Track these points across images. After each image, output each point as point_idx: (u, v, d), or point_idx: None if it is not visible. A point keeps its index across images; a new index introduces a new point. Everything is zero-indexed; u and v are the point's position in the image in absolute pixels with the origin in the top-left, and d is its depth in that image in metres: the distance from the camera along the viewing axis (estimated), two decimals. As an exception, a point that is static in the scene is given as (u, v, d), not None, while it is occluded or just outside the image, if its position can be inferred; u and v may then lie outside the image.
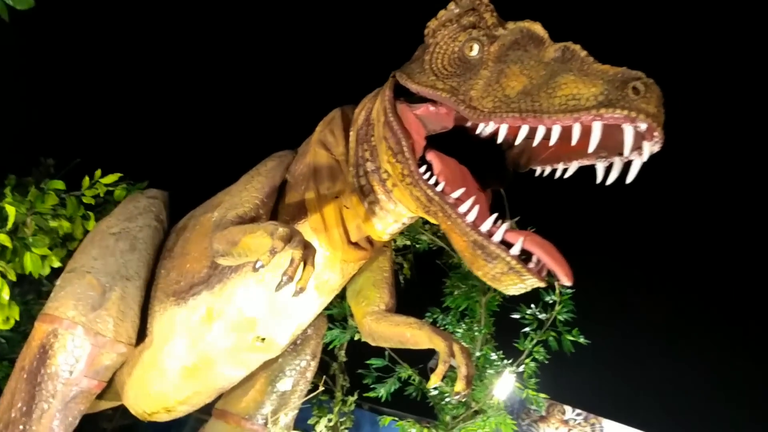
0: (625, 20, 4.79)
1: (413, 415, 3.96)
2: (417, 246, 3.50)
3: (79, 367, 2.54)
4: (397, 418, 3.59)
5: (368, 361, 3.51)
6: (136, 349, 2.71)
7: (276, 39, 5.14)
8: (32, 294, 3.39)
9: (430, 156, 2.07)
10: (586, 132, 1.63)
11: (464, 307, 3.57)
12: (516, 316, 3.64)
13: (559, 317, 3.57)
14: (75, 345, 2.53)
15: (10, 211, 2.79)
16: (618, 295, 5.11)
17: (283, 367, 3.00)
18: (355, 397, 3.44)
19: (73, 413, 2.56)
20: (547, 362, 3.64)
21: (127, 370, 2.78)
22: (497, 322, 3.64)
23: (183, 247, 2.77)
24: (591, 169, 1.82)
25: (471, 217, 1.85)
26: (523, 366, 3.62)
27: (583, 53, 1.73)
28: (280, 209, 2.49)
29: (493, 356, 3.57)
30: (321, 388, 3.10)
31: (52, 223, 3.06)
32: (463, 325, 3.57)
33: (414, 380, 3.58)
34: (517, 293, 1.85)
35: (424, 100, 2.09)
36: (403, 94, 2.17)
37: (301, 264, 1.84)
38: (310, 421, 3.25)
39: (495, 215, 1.85)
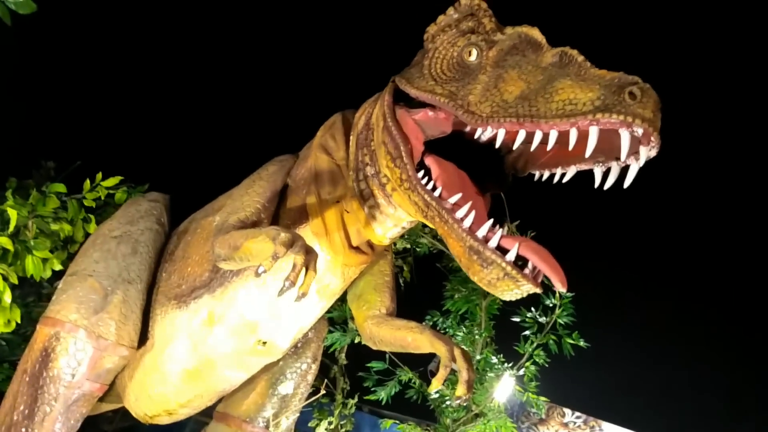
0: (623, 25, 4.80)
1: (413, 417, 3.96)
2: (417, 249, 3.51)
3: (81, 370, 2.55)
4: (398, 421, 3.60)
5: (369, 364, 3.52)
6: (137, 352, 2.72)
7: (277, 43, 5.16)
8: (33, 296, 3.40)
9: (429, 161, 2.09)
10: (583, 137, 1.64)
11: (464, 310, 3.58)
12: (516, 319, 3.65)
13: (559, 320, 3.58)
14: (77, 348, 2.54)
15: (12, 214, 2.80)
16: (618, 298, 5.12)
17: (284, 370, 3.01)
18: (356, 400, 3.45)
19: (75, 416, 2.57)
20: (547, 365, 3.65)
21: (129, 373, 2.79)
22: (497, 326, 3.65)
23: (184, 250, 2.78)
24: (590, 174, 1.83)
25: (467, 223, 1.86)
26: (523, 369, 3.62)
27: (581, 58, 1.74)
28: (282, 213, 2.50)
29: (494, 359, 3.58)
30: (322, 392, 3.10)
31: (54, 226, 3.07)
32: (464, 328, 3.58)
33: (414, 383, 3.59)
34: (513, 299, 1.86)
35: (423, 104, 2.11)
36: (402, 99, 2.18)
37: (303, 269, 1.85)
38: (311, 424, 3.25)
39: (491, 221, 1.86)
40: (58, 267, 2.95)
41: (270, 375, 2.98)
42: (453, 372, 2.24)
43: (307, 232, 2.38)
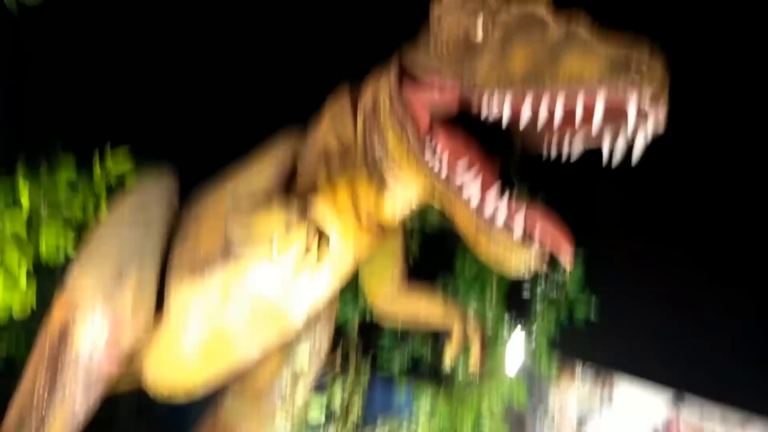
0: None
1: (424, 381, 4.00)
2: (427, 226, 3.50)
3: (98, 351, 2.59)
4: (412, 383, 3.65)
5: (380, 338, 3.57)
6: (154, 331, 2.75)
7: (281, 7, 5.06)
8: (47, 281, 3.44)
9: (437, 138, 2.08)
10: (590, 113, 1.63)
11: (475, 276, 3.60)
12: (527, 279, 3.67)
13: (570, 284, 3.59)
14: (94, 330, 2.59)
15: (24, 201, 2.82)
16: (631, 251, 5.11)
17: (297, 346, 3.06)
18: (368, 373, 3.51)
19: (94, 396, 2.62)
20: (560, 326, 3.68)
21: (145, 352, 2.84)
22: (509, 287, 3.67)
23: (196, 228, 2.80)
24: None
25: (474, 201, 1.87)
26: (534, 329, 3.65)
27: (587, 33, 1.72)
28: (292, 193, 2.51)
29: (505, 321, 3.61)
30: (335, 366, 3.16)
31: (65, 212, 3.09)
32: (475, 293, 3.60)
33: (426, 354, 3.63)
34: (519, 273, 1.88)
35: (429, 84, 2.09)
36: (408, 73, 2.17)
37: (315, 248, 1.88)
38: (325, 397, 3.32)
39: (500, 196, 1.87)
40: (72, 251, 2.97)
41: (284, 351, 3.03)
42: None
43: (317, 209, 2.39)
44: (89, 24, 4.62)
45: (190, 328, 2.73)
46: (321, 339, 3.13)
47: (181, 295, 2.72)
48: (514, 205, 1.85)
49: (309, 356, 3.08)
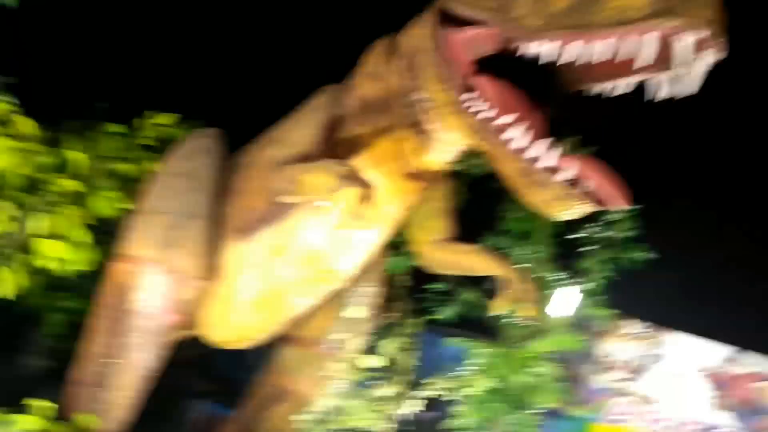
0: None
1: (477, 334, 4.02)
2: (471, 171, 3.44)
3: (159, 302, 2.68)
4: (463, 339, 3.66)
5: (429, 285, 3.57)
6: (210, 282, 2.82)
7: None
8: (100, 235, 3.53)
9: (480, 81, 2.02)
10: (640, 46, 1.55)
11: (523, 229, 3.55)
12: (578, 235, 3.60)
13: (624, 234, 3.50)
14: (153, 282, 2.67)
15: (78, 156, 2.88)
16: (685, 207, 4.96)
17: (350, 294, 3.10)
18: (420, 319, 3.53)
19: (157, 346, 2.72)
20: (610, 279, 3.61)
21: (203, 303, 2.91)
22: (559, 241, 3.60)
23: (243, 184, 2.83)
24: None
25: (518, 144, 1.81)
26: (586, 284, 3.60)
27: None
28: (334, 145, 2.49)
29: (556, 276, 3.56)
30: (388, 313, 3.19)
31: (115, 166, 3.15)
32: (523, 246, 3.55)
33: (476, 302, 3.62)
34: (569, 219, 1.83)
35: (469, 23, 2.02)
36: (448, 19, 2.10)
37: (362, 201, 1.87)
38: (378, 345, 3.36)
39: (547, 140, 1.80)
40: (126, 205, 3.04)
41: (337, 299, 3.08)
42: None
43: (361, 162, 2.37)
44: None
45: (244, 282, 2.80)
46: (374, 286, 3.16)
47: (234, 251, 2.77)
48: (561, 150, 1.79)
49: (361, 304, 3.12)
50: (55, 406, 2.52)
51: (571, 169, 1.75)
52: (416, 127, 2.30)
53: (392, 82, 2.34)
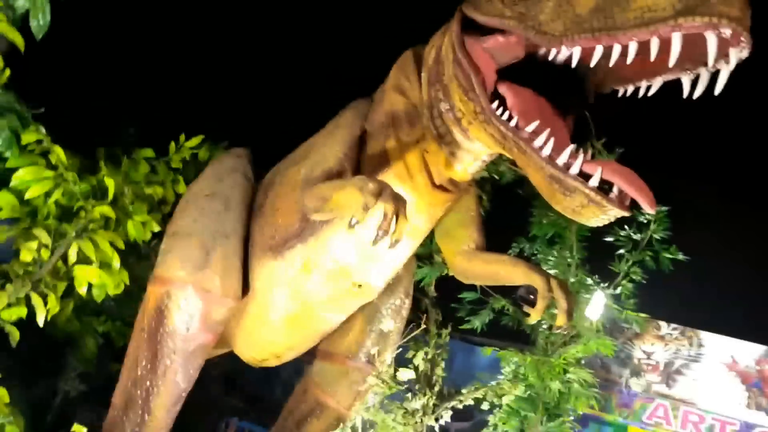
0: None
1: (508, 342, 4.00)
2: (497, 178, 3.43)
3: (194, 323, 2.70)
4: (496, 348, 3.64)
5: (461, 295, 3.56)
6: (242, 302, 2.84)
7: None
8: (133, 258, 3.58)
9: (504, 89, 2.01)
10: (666, 45, 1.53)
11: (552, 234, 3.53)
12: (609, 239, 3.57)
13: (655, 236, 3.47)
14: (188, 303, 2.69)
15: (109, 182, 2.93)
16: (714, 209, 4.90)
17: (379, 307, 3.10)
18: (449, 329, 3.51)
19: (194, 366, 2.74)
20: (644, 281, 3.57)
21: (235, 322, 2.93)
22: (590, 246, 3.57)
23: (273, 202, 2.84)
24: (680, 82, 1.72)
25: (546, 151, 1.80)
26: (619, 288, 3.56)
27: None
28: (363, 160, 2.50)
29: (588, 281, 3.53)
30: (417, 325, 3.18)
31: (147, 190, 3.20)
32: (554, 252, 3.53)
33: (508, 310, 3.60)
34: (600, 224, 1.81)
35: (493, 31, 2.02)
36: (471, 28, 2.10)
37: (394, 217, 1.87)
38: (408, 356, 3.35)
39: (573, 146, 1.78)
40: (157, 228, 3.09)
41: (367, 313, 3.07)
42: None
43: (391, 176, 2.37)
44: (165, 22, 4.73)
45: (275, 299, 2.80)
46: (402, 298, 3.15)
47: (265, 269, 2.78)
48: (588, 155, 1.78)
49: (391, 316, 3.11)
50: (94, 429, 2.54)
51: (600, 174, 1.73)
52: (444, 138, 2.30)
53: (418, 94, 2.34)
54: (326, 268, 2.64)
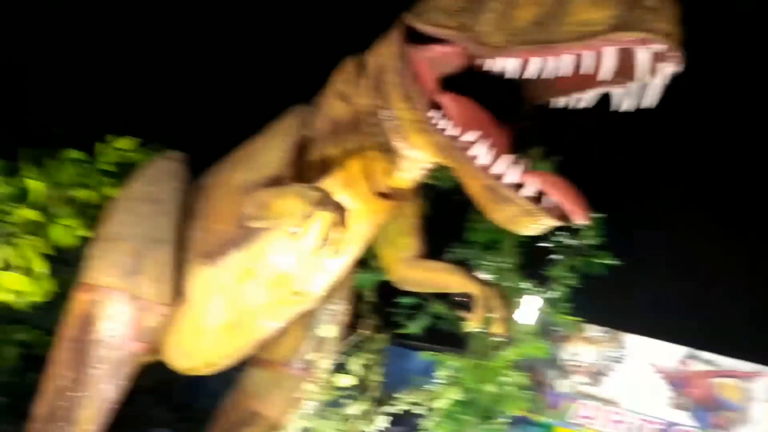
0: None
1: (444, 346, 4.04)
2: (436, 185, 3.47)
3: (122, 331, 2.60)
4: (435, 353, 3.67)
5: (398, 300, 3.57)
6: (175, 309, 2.75)
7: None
8: (60, 264, 3.43)
9: (444, 99, 2.03)
10: (601, 58, 1.59)
11: (489, 240, 3.59)
12: (545, 244, 3.65)
13: (588, 242, 3.58)
14: (117, 310, 2.59)
15: (34, 185, 2.79)
16: (646, 214, 5.10)
17: (318, 313, 3.07)
18: (386, 335, 3.52)
19: (122, 376, 2.64)
20: (577, 287, 3.68)
21: (168, 330, 2.83)
22: (525, 252, 3.65)
23: (209, 207, 2.77)
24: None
25: (482, 161, 1.83)
26: (551, 291, 3.65)
27: None
28: (303, 167, 2.47)
29: (522, 285, 3.61)
30: (356, 331, 3.18)
31: (74, 193, 3.05)
32: (489, 257, 3.59)
33: (445, 315, 3.64)
34: (534, 234, 1.86)
35: (435, 40, 2.04)
36: (413, 37, 2.11)
37: (333, 224, 1.86)
38: (345, 362, 3.34)
39: (510, 156, 1.83)
40: (84, 233, 2.95)
41: (305, 319, 3.04)
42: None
43: (332, 184, 2.35)
44: (91, 18, 4.54)
45: (211, 307, 2.73)
46: (340, 304, 3.14)
47: (201, 276, 2.71)
48: (525, 166, 1.82)
49: (329, 322, 3.10)
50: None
51: (534, 185, 1.77)
52: (385, 146, 2.30)
53: (360, 102, 2.33)
54: (264, 275, 2.59)
